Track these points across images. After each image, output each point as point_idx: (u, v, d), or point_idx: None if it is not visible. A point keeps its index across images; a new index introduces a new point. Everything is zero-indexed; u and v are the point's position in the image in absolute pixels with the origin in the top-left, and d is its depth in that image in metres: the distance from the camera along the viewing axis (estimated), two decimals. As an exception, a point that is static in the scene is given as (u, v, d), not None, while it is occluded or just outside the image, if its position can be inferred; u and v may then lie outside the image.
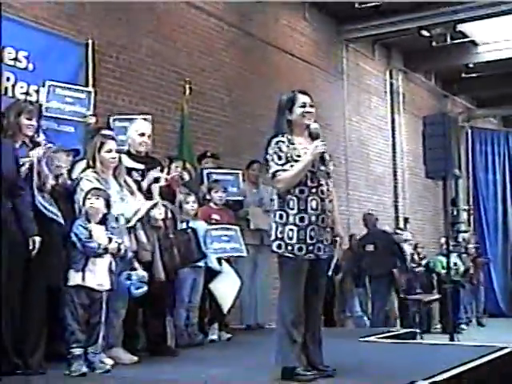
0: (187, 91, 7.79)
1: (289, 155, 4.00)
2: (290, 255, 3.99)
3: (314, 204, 4.02)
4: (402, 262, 9.93)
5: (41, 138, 4.86)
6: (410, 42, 12.95)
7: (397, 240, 10.23)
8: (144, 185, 5.33)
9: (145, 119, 5.96)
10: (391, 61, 13.78)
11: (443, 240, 10.29)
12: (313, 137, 4.09)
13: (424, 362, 4.68)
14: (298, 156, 4.01)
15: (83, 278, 4.44)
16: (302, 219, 4.00)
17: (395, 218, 13.53)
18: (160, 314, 5.42)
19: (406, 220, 13.49)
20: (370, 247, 9.39)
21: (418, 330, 9.17)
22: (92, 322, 4.50)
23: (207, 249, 6.04)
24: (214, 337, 6.25)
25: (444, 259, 10.06)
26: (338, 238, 4.23)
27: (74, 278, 4.43)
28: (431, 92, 15.37)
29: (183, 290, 5.94)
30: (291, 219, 4.00)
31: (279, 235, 4.01)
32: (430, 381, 3.81)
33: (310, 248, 4.01)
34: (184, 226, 5.86)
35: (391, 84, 13.79)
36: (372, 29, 12.03)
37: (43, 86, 5.84)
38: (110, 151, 4.87)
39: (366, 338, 6.24)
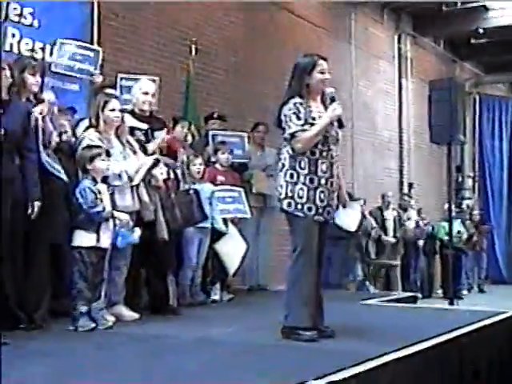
0: (193, 51, 7.76)
1: (306, 117, 4.02)
2: (301, 214, 4.01)
3: (324, 167, 4.06)
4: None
5: (48, 95, 4.87)
6: (420, 6, 12.79)
7: None
8: (150, 147, 5.32)
9: (153, 80, 5.93)
10: (400, 25, 13.61)
11: (446, 206, 10.29)
12: (328, 101, 4.10)
13: (421, 325, 4.73)
14: (313, 119, 4.03)
15: (98, 240, 4.48)
16: (311, 180, 4.03)
17: (400, 183, 13.52)
18: (162, 273, 5.46)
19: (410, 185, 13.48)
20: None
21: (419, 295, 9.28)
22: (96, 280, 4.55)
23: (213, 210, 6.07)
24: (216, 297, 6.30)
25: (447, 225, 10.08)
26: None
27: (88, 240, 4.46)
28: (440, 57, 15.21)
29: (190, 251, 5.98)
30: (302, 179, 4.03)
31: (289, 193, 4.04)
32: (429, 344, 3.84)
33: (320, 210, 4.04)
34: (187, 187, 5.87)
35: (399, 48, 13.64)
36: (381, -8, 11.87)
37: (54, 42, 5.81)
38: (113, 110, 4.87)
39: (367, 301, 6.30)
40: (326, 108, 4.11)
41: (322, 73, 4.12)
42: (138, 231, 4.76)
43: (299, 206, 4.02)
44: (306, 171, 4.03)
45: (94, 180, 4.55)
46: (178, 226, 5.48)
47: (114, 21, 7.54)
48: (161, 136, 5.38)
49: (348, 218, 4.57)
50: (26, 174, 4.06)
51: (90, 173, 4.55)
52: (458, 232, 11.64)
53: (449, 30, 14.11)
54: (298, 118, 4.01)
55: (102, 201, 4.50)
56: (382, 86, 13.22)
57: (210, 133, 7.15)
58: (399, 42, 13.66)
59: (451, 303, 7.86)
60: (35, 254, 4.49)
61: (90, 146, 4.65)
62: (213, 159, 6.72)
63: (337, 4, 11.74)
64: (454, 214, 10.18)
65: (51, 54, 5.97)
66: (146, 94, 5.51)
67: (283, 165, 4.10)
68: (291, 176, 4.05)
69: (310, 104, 4.08)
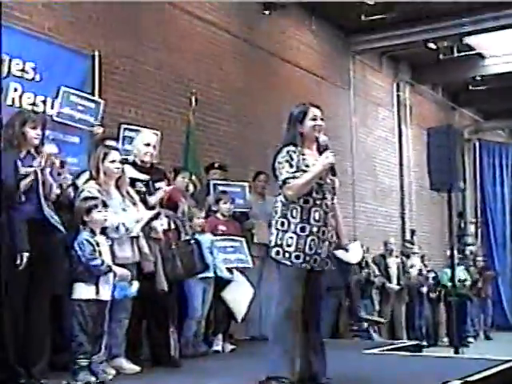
0: (193, 102, 7.85)
1: (299, 164, 4.03)
2: (287, 262, 4.01)
3: (316, 215, 4.05)
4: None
5: (50, 148, 4.90)
6: (417, 55, 12.96)
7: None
8: (152, 201, 5.33)
9: (154, 132, 5.98)
10: (398, 73, 13.79)
11: (449, 252, 10.24)
12: (321, 149, 4.12)
13: (425, 374, 4.66)
14: (307, 166, 4.04)
15: (97, 292, 4.46)
16: (303, 229, 4.03)
17: (402, 230, 13.49)
18: (163, 324, 5.41)
19: (412, 232, 13.45)
20: None
21: (424, 343, 9.17)
22: (96, 333, 4.51)
23: (215, 259, 6.05)
24: (218, 348, 6.25)
25: (450, 271, 10.01)
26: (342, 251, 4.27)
27: (87, 292, 4.44)
28: (438, 104, 15.37)
29: (195, 302, 5.94)
30: (292, 227, 4.02)
31: (278, 242, 4.04)
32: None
33: (307, 258, 4.02)
34: (188, 237, 5.86)
35: (398, 96, 13.79)
36: (379, 41, 12.05)
37: (57, 92, 5.89)
38: (113, 161, 4.90)
39: (370, 351, 6.21)
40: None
41: (314, 119, 4.16)
42: (135, 284, 4.75)
43: (287, 255, 4.02)
44: (297, 220, 4.03)
45: (93, 232, 4.56)
46: (179, 276, 5.46)
47: (115, 73, 7.63)
48: (161, 188, 5.38)
49: (349, 253, 4.58)
50: (15, 226, 4.03)
51: (87, 225, 4.56)
52: (460, 280, 11.53)
53: (447, 78, 14.29)
54: (291, 166, 4.03)
55: (100, 253, 4.49)
56: (381, 133, 13.32)
57: (212, 182, 7.19)
58: (398, 89, 13.81)
59: (456, 351, 7.76)
60: (35, 304, 4.45)
61: (86, 198, 4.66)
62: (214, 209, 6.73)
63: (336, 53, 11.90)
64: (457, 260, 10.13)
65: (52, 106, 6.05)
66: (148, 145, 5.55)
67: (276, 212, 4.12)
68: (282, 224, 4.06)
69: (304, 152, 4.11)
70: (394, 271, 10.86)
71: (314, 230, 4.03)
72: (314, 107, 4.23)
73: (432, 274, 11.99)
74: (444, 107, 15.49)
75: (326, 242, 4.10)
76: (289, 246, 4.01)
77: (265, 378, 3.98)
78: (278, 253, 4.04)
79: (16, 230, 4.01)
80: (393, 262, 10.95)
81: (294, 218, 4.03)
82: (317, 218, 4.04)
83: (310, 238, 4.02)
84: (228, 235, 6.53)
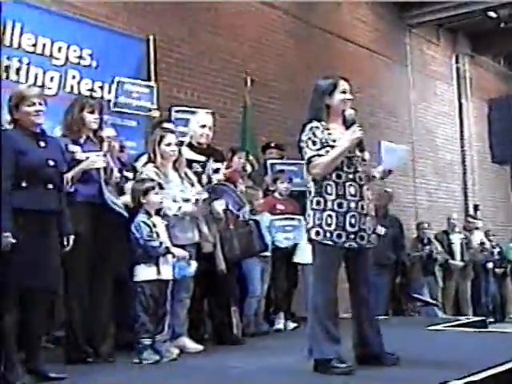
0: (249, 82, 7.84)
1: (324, 140, 3.88)
2: (329, 242, 3.84)
3: (352, 190, 3.89)
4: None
5: (108, 131, 5.00)
6: (477, 25, 12.58)
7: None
8: (204, 178, 5.37)
9: (210, 113, 6.00)
10: (457, 45, 13.44)
11: (515, 226, 10.02)
12: (348, 123, 3.97)
13: (490, 350, 4.57)
14: (334, 141, 3.89)
15: (158, 272, 4.52)
16: (340, 205, 3.86)
17: (465, 205, 13.23)
18: (225, 303, 5.47)
19: (475, 207, 13.17)
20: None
21: (490, 319, 9.00)
22: (159, 313, 4.58)
23: (273, 238, 6.06)
24: (280, 326, 6.28)
25: (516, 246, 9.80)
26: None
27: (148, 273, 4.51)
28: (500, 75, 14.92)
29: (254, 281, 5.98)
30: (329, 205, 3.85)
31: (317, 222, 3.87)
32: (488, 373, 3.69)
33: (351, 236, 3.86)
34: (246, 217, 5.88)
35: (457, 69, 13.45)
36: (436, 13, 11.76)
37: (112, 82, 6.00)
38: (169, 144, 4.94)
39: (434, 327, 6.13)
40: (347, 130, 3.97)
41: (344, 92, 4.00)
42: (194, 264, 4.78)
43: (328, 234, 3.84)
44: (333, 196, 3.86)
45: (148, 213, 4.61)
46: (237, 256, 5.49)
47: (170, 57, 7.68)
48: (213, 165, 5.40)
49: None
50: (63, 209, 4.12)
51: (143, 207, 4.62)
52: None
53: (508, 47, 13.84)
54: (314, 143, 3.87)
55: (157, 234, 4.55)
56: (441, 107, 13.04)
57: (269, 162, 7.17)
58: (457, 62, 13.47)
59: (524, 327, 7.59)
60: (99, 287, 4.56)
61: (143, 180, 4.72)
62: (272, 188, 6.72)
63: (391, 28, 11.69)
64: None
65: (109, 91, 6.15)
66: (203, 126, 5.57)
67: (309, 193, 3.96)
68: (318, 203, 3.89)
69: (328, 126, 3.95)
70: (457, 247, 10.67)
71: (352, 205, 3.87)
72: (343, 80, 4.05)
73: (497, 249, 11.73)
74: (506, 78, 15.04)
75: (368, 217, 3.94)
76: (329, 225, 3.84)
77: (316, 361, 3.90)
78: (317, 233, 3.86)
79: (65, 212, 4.07)
80: (456, 238, 10.75)
81: (329, 194, 3.86)
82: (352, 192, 3.88)
83: (349, 215, 3.85)
84: (286, 214, 6.51)
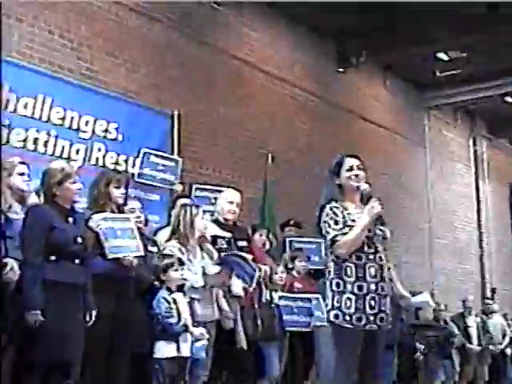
0: (269, 160, 7.92)
1: (344, 220, 3.82)
2: (348, 325, 3.76)
3: (372, 271, 3.80)
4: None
5: (135, 204, 5.04)
6: (494, 109, 12.76)
7: None
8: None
9: (238, 190, 6.02)
10: (475, 127, 13.59)
11: (534, 312, 9.85)
12: (365, 198, 3.90)
13: None
14: (353, 221, 3.82)
15: (178, 349, 4.48)
16: (360, 288, 3.79)
17: (482, 288, 13.08)
18: (241, 379, 5.37)
19: (493, 290, 13.01)
20: None
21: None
22: (177, 390, 4.51)
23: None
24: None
25: (535, 332, 9.62)
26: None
27: (167, 349, 4.46)
28: (517, 158, 15.02)
29: (272, 361, 5.88)
30: (349, 287, 3.79)
31: (336, 304, 3.80)
32: None
33: (371, 318, 3.79)
34: (268, 296, 5.84)
35: (475, 151, 13.56)
36: (454, 96, 11.95)
37: (138, 154, 6.07)
38: (201, 217, 4.95)
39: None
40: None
41: (350, 170, 3.94)
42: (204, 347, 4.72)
43: (347, 318, 3.76)
44: (353, 278, 3.79)
45: (170, 290, 4.59)
46: (258, 337, 5.43)
47: (193, 132, 7.80)
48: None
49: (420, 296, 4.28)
50: (88, 284, 4.12)
51: (165, 283, 4.60)
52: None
53: (525, 131, 14.00)
54: (336, 223, 3.81)
55: (178, 311, 4.51)
56: (458, 188, 13.08)
57: (287, 239, 7.16)
58: (474, 144, 13.60)
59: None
60: (116, 363, 4.50)
61: (163, 256, 4.72)
62: (290, 266, 6.69)
63: (410, 109, 11.85)
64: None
65: (133, 165, 6.23)
66: (231, 203, 5.58)
67: (329, 272, 3.89)
68: (337, 285, 3.81)
69: (346, 206, 3.90)
70: (473, 331, 10.47)
71: (372, 287, 3.80)
72: (349, 157, 4.00)
73: (516, 335, 11.49)
74: (523, 161, 15.13)
75: (387, 298, 3.87)
76: (348, 308, 3.77)
77: None
78: (337, 316, 3.78)
79: (89, 287, 4.08)
80: (472, 321, 10.57)
81: (349, 277, 3.79)
82: (373, 273, 3.80)
83: (369, 297, 3.77)
84: (304, 293, 6.45)
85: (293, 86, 9.44)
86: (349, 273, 3.81)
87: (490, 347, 10.59)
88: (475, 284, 13.02)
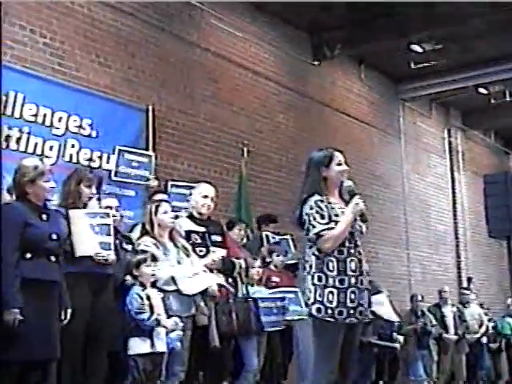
0: (245, 153, 7.92)
1: (329, 214, 3.85)
2: (331, 319, 3.81)
3: (353, 265, 3.86)
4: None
5: (111, 202, 5.01)
6: (468, 100, 12.86)
7: None
8: (203, 262, 5.29)
9: (212, 185, 6.00)
10: (449, 119, 13.69)
11: (510, 300, 9.98)
12: (348, 195, 3.95)
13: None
14: (336, 215, 3.87)
15: (152, 345, 4.47)
16: (341, 281, 3.84)
17: (458, 278, 13.20)
18: (220, 377, 5.37)
19: (469, 280, 13.14)
20: None
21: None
22: (152, 387, 4.50)
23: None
24: (273, 400, 6.15)
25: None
26: None
27: (141, 346, 4.46)
28: (491, 150, 15.16)
29: (251, 355, 5.87)
30: (331, 281, 3.83)
31: (318, 298, 3.82)
32: None
33: (351, 311, 3.84)
34: (244, 290, 5.84)
35: (450, 142, 13.66)
36: (428, 88, 12.02)
37: (113, 151, 6.04)
38: (165, 212, 4.94)
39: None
40: (345, 202, 3.96)
41: (340, 164, 3.99)
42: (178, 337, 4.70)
43: (329, 311, 3.80)
44: (334, 273, 3.84)
45: (143, 286, 4.58)
46: (234, 332, 5.42)
47: (168, 127, 7.76)
48: (217, 254, 5.32)
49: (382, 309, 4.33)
50: (62, 281, 4.10)
51: (138, 279, 4.58)
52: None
53: (499, 123, 14.13)
54: (322, 217, 3.84)
55: (151, 307, 4.50)
56: (434, 179, 13.17)
57: (264, 234, 7.16)
58: (449, 135, 13.69)
59: (521, 404, 7.46)
60: (92, 361, 4.47)
61: (136, 252, 4.71)
62: (267, 260, 6.70)
63: (385, 101, 11.91)
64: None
65: (108, 161, 6.19)
66: (206, 197, 5.56)
67: (310, 267, 3.90)
68: (319, 279, 3.84)
69: (330, 200, 3.93)
70: (450, 320, 10.57)
71: (353, 281, 3.85)
72: (337, 152, 4.10)
73: (491, 324, 11.62)
74: (497, 152, 15.28)
75: (365, 292, 3.92)
76: (330, 301, 3.81)
77: None
78: (319, 310, 3.81)
79: (63, 284, 4.06)
80: (449, 311, 10.67)
81: (330, 271, 3.83)
82: (353, 267, 3.86)
83: (349, 291, 3.83)
84: (282, 286, 6.47)
85: (268, 79, 9.43)
86: (331, 267, 3.84)
87: (467, 336, 10.72)
88: (451, 274, 13.14)
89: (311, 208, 3.87)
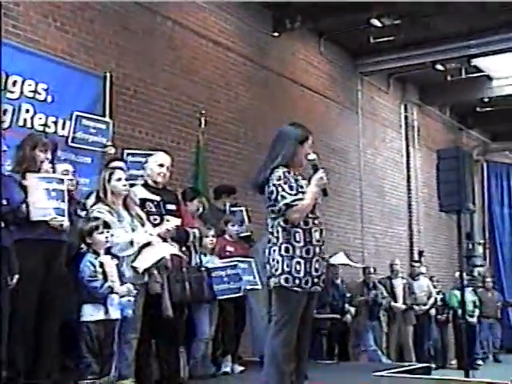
0: (202, 123, 7.90)
1: (296, 186, 3.95)
2: (298, 289, 3.90)
3: (317, 235, 3.98)
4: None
5: (66, 167, 4.98)
6: (425, 76, 13.00)
7: None
8: (157, 231, 5.24)
9: (168, 154, 5.99)
10: (406, 94, 13.83)
11: (458, 274, 10.23)
12: (313, 168, 4.05)
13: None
14: (301, 187, 3.98)
15: (106, 312, 4.50)
16: (307, 251, 3.94)
17: (410, 251, 13.46)
18: (172, 345, 5.42)
19: (420, 253, 13.42)
20: None
21: (432, 365, 9.11)
22: (105, 353, 4.53)
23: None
24: (227, 369, 6.24)
25: (459, 293, 9.99)
26: None
27: (94, 313, 4.49)
28: (446, 125, 15.39)
29: (203, 323, 5.95)
30: (298, 252, 3.92)
31: (286, 268, 3.90)
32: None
33: (316, 280, 3.95)
34: (198, 259, 5.88)
35: (406, 117, 13.82)
36: (387, 63, 12.10)
37: (70, 117, 5.96)
38: (119, 180, 4.93)
39: (380, 373, 6.19)
40: (305, 179, 4.05)
41: (311, 147, 4.11)
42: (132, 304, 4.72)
43: (297, 281, 3.89)
44: (301, 243, 3.93)
45: (96, 253, 4.58)
46: (187, 300, 5.48)
47: (126, 95, 7.69)
48: (171, 223, 5.31)
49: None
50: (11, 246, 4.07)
51: (91, 246, 4.58)
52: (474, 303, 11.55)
53: (454, 99, 14.33)
54: (291, 188, 3.93)
55: (104, 273, 4.51)
56: (389, 154, 13.34)
57: (221, 204, 7.20)
58: (406, 110, 13.84)
59: (467, 375, 7.69)
60: (45, 327, 4.48)
61: (89, 219, 4.70)
62: (223, 229, 6.74)
63: (343, 74, 11.96)
64: (465, 282, 10.08)
65: (63, 127, 6.12)
66: (161, 166, 5.55)
67: (277, 238, 3.96)
68: (286, 250, 3.92)
69: (296, 173, 4.04)
70: (399, 291, 10.84)
71: (317, 250, 3.97)
72: (310, 133, 4.17)
73: (440, 296, 11.93)
74: (452, 128, 15.52)
75: (324, 262, 4.07)
76: (298, 271, 3.90)
77: None
78: (287, 280, 3.89)
79: (12, 250, 4.04)
80: (399, 283, 10.94)
81: (297, 242, 3.93)
82: (317, 237, 3.99)
83: (314, 260, 3.94)
84: (236, 256, 6.53)
85: (227, 49, 9.39)
86: (297, 238, 3.94)
87: (415, 307, 11.00)
88: (404, 247, 13.39)
89: (279, 179, 3.94)
